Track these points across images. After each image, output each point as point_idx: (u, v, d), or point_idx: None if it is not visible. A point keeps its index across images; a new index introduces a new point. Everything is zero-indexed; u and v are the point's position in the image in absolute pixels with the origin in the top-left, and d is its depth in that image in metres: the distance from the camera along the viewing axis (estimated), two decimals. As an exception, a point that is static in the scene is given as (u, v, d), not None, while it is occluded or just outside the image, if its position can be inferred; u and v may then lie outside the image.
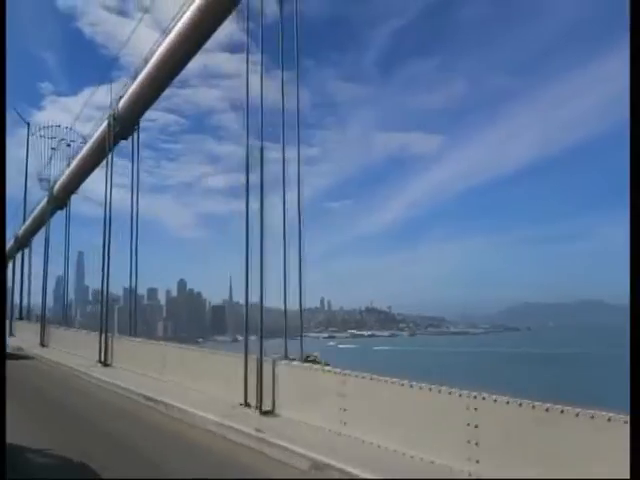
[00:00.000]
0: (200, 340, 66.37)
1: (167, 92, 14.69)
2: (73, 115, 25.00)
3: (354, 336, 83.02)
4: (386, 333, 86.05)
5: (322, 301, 75.42)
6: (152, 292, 60.40)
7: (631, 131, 3.32)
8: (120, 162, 16.73)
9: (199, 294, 71.27)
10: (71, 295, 57.60)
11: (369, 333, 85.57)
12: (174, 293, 68.42)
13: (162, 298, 66.52)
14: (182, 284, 70.12)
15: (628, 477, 3.09)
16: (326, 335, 79.57)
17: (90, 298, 68.19)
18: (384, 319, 76.93)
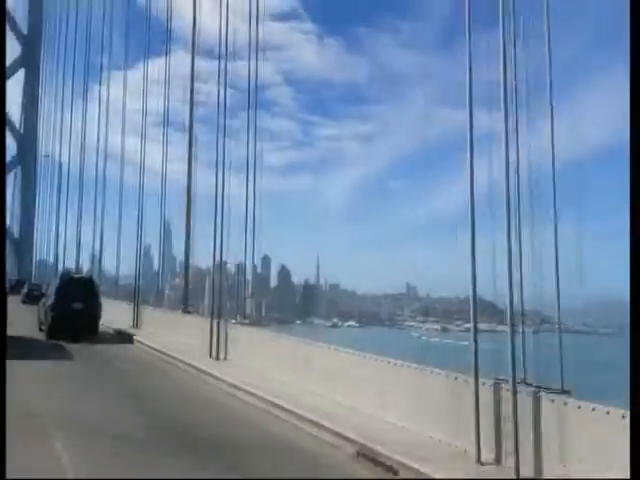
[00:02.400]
0: (298, 322, 70.99)
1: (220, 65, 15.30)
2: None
3: (481, 331, 79.09)
4: (507, 328, 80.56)
5: (408, 286, 73.61)
6: (241, 267, 65.41)
7: (631, 131, 3.32)
8: (176, 135, 20.20)
9: (287, 271, 75.38)
10: (156, 266, 66.22)
11: (486, 328, 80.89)
12: (259, 269, 73.67)
13: (248, 274, 72.46)
14: (266, 260, 75.08)
15: (628, 477, 3.11)
16: (438, 327, 77.44)
17: (178, 269, 76.97)
18: (491, 311, 72.18)
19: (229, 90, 16.51)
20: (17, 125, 65.15)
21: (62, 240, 43.30)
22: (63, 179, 46.17)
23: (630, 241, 3.37)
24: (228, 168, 15.67)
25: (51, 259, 47.53)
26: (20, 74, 63.68)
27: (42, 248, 53.24)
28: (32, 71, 62.56)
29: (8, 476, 3.77)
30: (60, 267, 41.72)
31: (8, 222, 62.72)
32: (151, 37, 26.64)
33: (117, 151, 29.78)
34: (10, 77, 58.03)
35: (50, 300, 16.97)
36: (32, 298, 26.41)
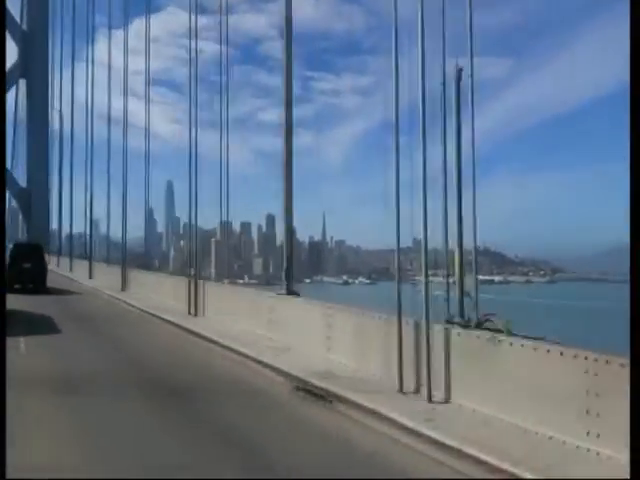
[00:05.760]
0: (307, 281, 71.12)
1: (215, 19, 15.28)
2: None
3: (484, 282, 79.47)
4: (521, 279, 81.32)
5: (414, 240, 73.24)
6: (246, 226, 66.15)
7: (631, 130, 3.41)
8: (171, 95, 19.84)
9: (293, 229, 75.12)
10: (161, 228, 65.51)
11: (498, 279, 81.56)
12: (264, 228, 74.07)
13: (254, 233, 72.83)
14: (270, 219, 75.16)
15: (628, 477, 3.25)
16: (451, 280, 76.93)
17: (181, 231, 77.05)
18: (500, 262, 72.82)
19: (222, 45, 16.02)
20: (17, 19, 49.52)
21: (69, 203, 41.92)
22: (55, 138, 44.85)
23: (630, 239, 3.37)
24: (225, 127, 15.66)
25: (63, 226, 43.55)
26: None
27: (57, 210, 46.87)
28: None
29: (8, 476, 3.88)
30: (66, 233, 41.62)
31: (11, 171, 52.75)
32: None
33: (114, 113, 29.40)
34: None
35: (7, 262, 21.69)
36: None
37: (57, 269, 35.36)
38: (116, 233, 30.96)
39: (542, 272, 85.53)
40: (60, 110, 39.58)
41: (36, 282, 21.84)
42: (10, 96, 51.68)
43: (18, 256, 21.88)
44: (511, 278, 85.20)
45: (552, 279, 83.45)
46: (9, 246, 23.92)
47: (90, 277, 27.59)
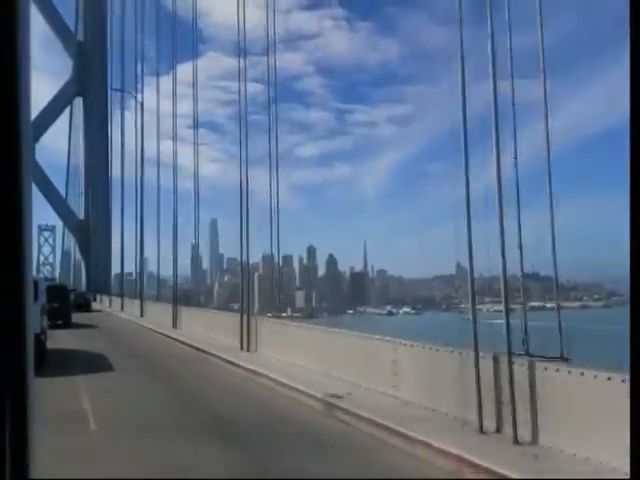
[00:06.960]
0: (350, 312, 70.53)
1: (252, 60, 15.36)
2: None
3: (535, 309, 76.31)
4: (575, 304, 78.21)
5: (458, 267, 71.71)
6: (287, 259, 66.83)
7: (631, 130, 3.24)
8: (210, 135, 20.28)
9: (334, 260, 75.52)
10: (205, 265, 66.57)
11: (550, 305, 77.91)
12: (305, 260, 74.15)
13: (295, 265, 72.68)
14: (312, 251, 75.51)
15: (628, 477, 3.39)
16: (500, 308, 74.79)
17: (225, 267, 77.75)
18: (551, 287, 69.70)
19: (260, 85, 16.75)
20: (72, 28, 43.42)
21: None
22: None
23: (630, 239, 3.34)
24: (268, 164, 16.14)
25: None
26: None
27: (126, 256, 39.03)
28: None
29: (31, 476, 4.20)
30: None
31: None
32: (177, 40, 27.19)
33: (154, 155, 30.38)
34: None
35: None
36: (77, 307, 31.58)
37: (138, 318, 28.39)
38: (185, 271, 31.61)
39: (597, 296, 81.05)
40: (137, 98, 33.14)
41: (63, 318, 24.77)
42: (64, 116, 46.21)
43: (47, 297, 24.17)
44: (565, 304, 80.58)
45: (607, 303, 78.81)
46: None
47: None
